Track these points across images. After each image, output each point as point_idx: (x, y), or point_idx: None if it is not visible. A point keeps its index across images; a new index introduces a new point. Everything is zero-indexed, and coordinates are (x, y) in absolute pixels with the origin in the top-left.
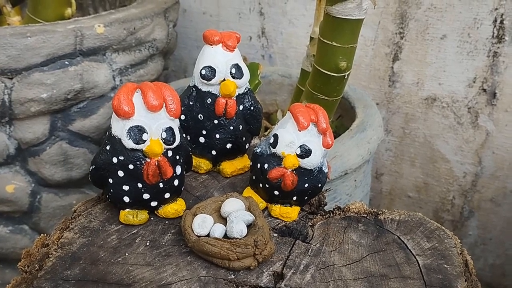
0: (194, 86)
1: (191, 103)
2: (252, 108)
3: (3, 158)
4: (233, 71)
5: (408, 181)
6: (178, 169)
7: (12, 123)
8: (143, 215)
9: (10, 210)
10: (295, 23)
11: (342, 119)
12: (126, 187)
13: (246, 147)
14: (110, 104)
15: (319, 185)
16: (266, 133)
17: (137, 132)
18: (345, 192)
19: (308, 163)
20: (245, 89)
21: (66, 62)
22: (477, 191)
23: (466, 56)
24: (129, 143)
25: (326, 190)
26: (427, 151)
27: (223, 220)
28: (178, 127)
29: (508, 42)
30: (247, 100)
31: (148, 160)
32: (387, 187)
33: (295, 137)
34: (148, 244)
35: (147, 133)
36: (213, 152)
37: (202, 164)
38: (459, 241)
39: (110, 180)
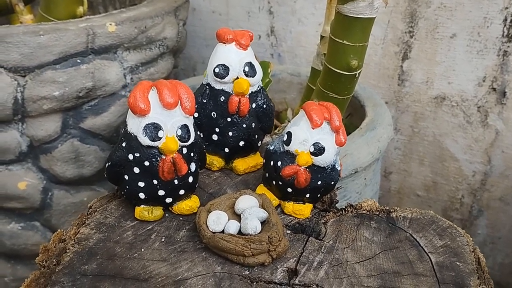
0: (208, 84)
1: (204, 101)
2: (264, 106)
3: (16, 155)
4: (246, 69)
5: (417, 180)
6: (193, 166)
7: (25, 120)
8: (158, 212)
9: (22, 206)
10: (304, 21)
11: (352, 117)
12: (141, 184)
13: (259, 144)
14: (121, 102)
15: (332, 182)
16: (276, 130)
17: (153, 129)
18: (355, 191)
19: (322, 160)
20: (258, 87)
21: (78, 60)
22: (486, 190)
23: (475, 55)
24: (145, 140)
25: (337, 188)
26: (436, 150)
27: (237, 216)
28: (193, 125)
29: None
30: (260, 98)
31: (163, 157)
32: (396, 186)
33: (309, 135)
34: (163, 240)
35: (162, 130)
36: (226, 150)
37: (215, 161)
38: (471, 239)
39: (126, 177)
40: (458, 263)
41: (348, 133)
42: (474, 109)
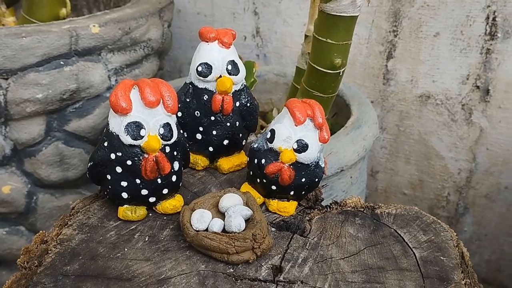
0: (191, 83)
1: (188, 100)
2: (248, 104)
3: None
4: (229, 67)
5: (403, 178)
6: (176, 165)
7: (8, 123)
8: (141, 211)
9: (6, 211)
10: (290, 22)
11: (337, 117)
12: (124, 183)
13: (243, 143)
14: (106, 104)
15: (316, 179)
16: (262, 131)
17: (135, 128)
18: (341, 189)
19: (305, 157)
20: (242, 85)
21: (62, 62)
22: (472, 188)
23: (459, 54)
24: (127, 139)
25: (323, 186)
26: (421, 148)
27: (221, 215)
28: (176, 123)
29: (500, 39)
30: (244, 96)
31: (146, 156)
32: (383, 185)
33: (292, 132)
34: (147, 239)
35: (144, 129)
36: (210, 149)
37: (199, 160)
38: (455, 234)
39: (108, 176)
40: (442, 257)
41: (334, 132)
42: (458, 107)
